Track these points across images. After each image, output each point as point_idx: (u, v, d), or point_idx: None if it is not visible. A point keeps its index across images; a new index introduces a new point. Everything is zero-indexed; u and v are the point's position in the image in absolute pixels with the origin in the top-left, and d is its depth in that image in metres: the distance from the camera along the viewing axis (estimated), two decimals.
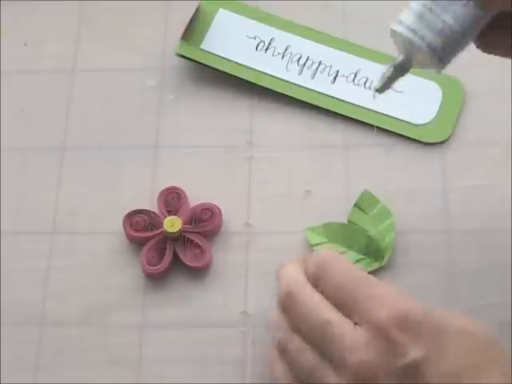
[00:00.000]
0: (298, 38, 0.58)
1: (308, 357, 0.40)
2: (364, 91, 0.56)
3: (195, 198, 0.54)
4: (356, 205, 0.52)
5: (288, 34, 0.58)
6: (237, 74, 0.57)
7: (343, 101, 0.56)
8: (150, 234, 0.51)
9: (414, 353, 0.37)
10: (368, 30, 0.59)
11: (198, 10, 0.58)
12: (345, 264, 0.41)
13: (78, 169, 0.56)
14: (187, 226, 0.51)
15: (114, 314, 0.51)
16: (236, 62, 0.57)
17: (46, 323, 0.51)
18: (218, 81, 0.58)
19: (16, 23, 0.61)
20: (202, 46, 0.58)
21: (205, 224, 0.52)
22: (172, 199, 0.52)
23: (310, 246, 0.51)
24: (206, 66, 0.57)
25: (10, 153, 0.56)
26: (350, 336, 0.38)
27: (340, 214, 0.52)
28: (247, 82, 0.57)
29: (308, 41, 0.58)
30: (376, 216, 0.52)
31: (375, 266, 0.50)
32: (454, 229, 0.52)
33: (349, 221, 0.52)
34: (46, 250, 0.53)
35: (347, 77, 0.57)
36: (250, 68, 0.57)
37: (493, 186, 0.52)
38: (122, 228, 0.52)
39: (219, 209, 0.52)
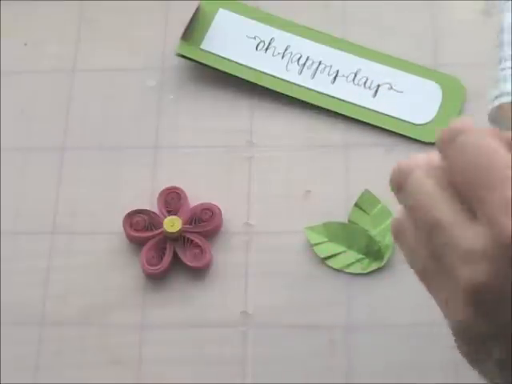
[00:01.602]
0: (298, 38, 0.58)
1: (420, 253, 0.32)
2: (364, 91, 0.56)
3: (195, 197, 0.54)
4: (356, 205, 0.52)
5: (288, 34, 0.58)
6: (237, 74, 0.57)
7: (343, 101, 0.56)
8: (149, 233, 0.51)
9: None
10: (368, 29, 0.59)
11: (197, 9, 0.58)
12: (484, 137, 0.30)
13: (78, 169, 0.56)
14: (187, 226, 0.51)
15: (113, 314, 0.51)
16: (236, 62, 0.57)
17: (46, 323, 0.51)
18: (217, 81, 0.58)
19: (16, 23, 0.61)
20: (202, 46, 0.58)
21: (205, 224, 0.52)
22: (172, 199, 0.52)
23: (310, 246, 0.51)
24: (206, 65, 0.57)
25: (10, 153, 0.56)
26: (465, 242, 0.29)
27: (340, 214, 0.52)
28: (247, 81, 0.57)
29: (308, 41, 0.58)
30: (376, 216, 0.52)
31: (375, 265, 0.50)
32: None
33: (349, 220, 0.52)
34: (46, 250, 0.53)
35: (347, 77, 0.57)
36: (250, 68, 0.57)
37: None
38: (121, 228, 0.52)
39: (219, 209, 0.52)
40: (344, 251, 0.51)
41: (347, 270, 0.51)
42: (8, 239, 0.53)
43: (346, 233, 0.51)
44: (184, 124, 0.57)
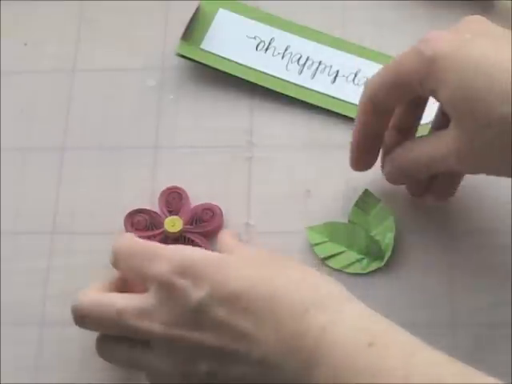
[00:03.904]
0: (298, 38, 0.58)
1: (123, 349, 0.45)
2: None
3: (195, 197, 0.54)
4: (356, 204, 0.52)
5: (288, 34, 0.58)
6: (237, 74, 0.57)
7: (343, 101, 0.56)
8: (150, 233, 0.51)
9: (197, 294, 0.40)
10: (368, 30, 0.59)
11: (197, 9, 0.58)
12: (130, 240, 0.46)
13: (78, 169, 0.56)
14: (188, 226, 0.51)
15: None
16: (236, 62, 0.57)
17: (46, 323, 0.51)
18: (217, 81, 0.58)
19: (16, 23, 0.61)
20: (202, 46, 0.58)
21: (206, 224, 0.52)
22: (173, 199, 0.52)
23: (311, 246, 0.51)
24: (206, 65, 0.57)
25: (10, 153, 0.56)
26: (142, 306, 0.42)
27: (340, 214, 0.52)
28: (247, 81, 0.57)
29: (308, 41, 0.58)
30: (376, 216, 0.52)
31: (375, 265, 0.50)
32: (454, 229, 0.52)
33: (349, 220, 0.52)
34: (46, 250, 0.53)
35: (347, 77, 0.57)
36: (250, 68, 0.57)
37: (493, 186, 0.52)
38: (122, 228, 0.52)
39: (220, 209, 0.52)
40: (344, 251, 0.51)
41: (347, 270, 0.51)
42: (8, 239, 0.53)
43: (346, 233, 0.51)
44: (184, 124, 0.57)
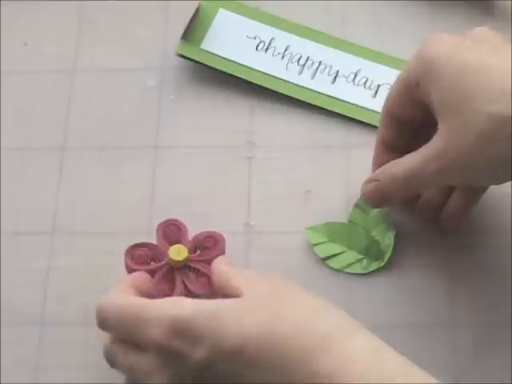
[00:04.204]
0: (298, 38, 0.58)
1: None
2: (364, 91, 0.56)
3: (195, 198, 0.54)
4: (356, 205, 0.52)
5: (288, 34, 0.58)
6: (237, 74, 0.57)
7: (343, 101, 0.56)
8: (154, 266, 0.49)
9: (197, 354, 0.39)
10: (368, 30, 0.59)
11: (197, 9, 0.58)
12: (115, 303, 0.43)
13: (78, 169, 0.56)
14: (192, 254, 0.49)
15: None
16: (236, 62, 0.57)
17: (46, 323, 0.51)
18: (217, 81, 0.58)
19: (16, 23, 0.61)
20: (202, 46, 0.58)
21: (209, 252, 0.49)
22: (172, 231, 0.50)
23: (311, 246, 0.51)
24: (206, 65, 0.57)
25: (9, 153, 0.56)
26: (147, 368, 0.41)
27: (340, 214, 0.52)
28: (247, 81, 0.57)
29: (308, 41, 0.58)
30: (376, 216, 0.52)
31: (375, 266, 0.50)
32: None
33: (349, 221, 0.52)
34: (46, 250, 0.53)
35: (347, 77, 0.57)
36: (250, 68, 0.57)
37: (492, 186, 0.52)
38: (121, 228, 0.52)
39: (221, 235, 0.50)
40: (344, 251, 0.51)
41: (347, 270, 0.51)
42: (8, 239, 0.53)
43: (346, 233, 0.51)
44: (184, 124, 0.57)
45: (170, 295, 0.47)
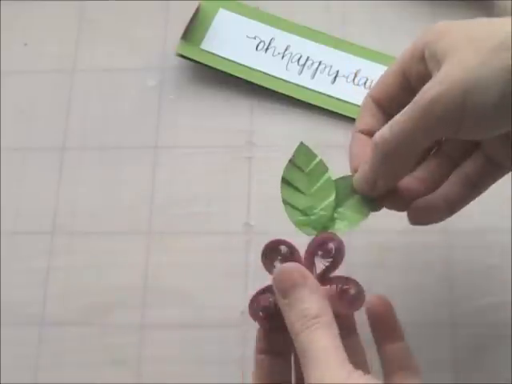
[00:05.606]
0: (298, 38, 0.58)
1: None
2: (364, 91, 0.56)
3: (195, 198, 0.54)
4: (291, 161, 0.46)
5: (288, 34, 0.58)
6: (237, 74, 0.57)
7: (343, 101, 0.56)
8: None
9: None
10: (368, 30, 0.59)
11: (197, 10, 0.58)
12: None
13: (78, 169, 0.56)
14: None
15: (113, 314, 0.51)
16: (236, 62, 0.57)
17: (46, 323, 0.51)
18: (217, 81, 0.58)
19: (16, 23, 0.61)
20: (202, 46, 0.58)
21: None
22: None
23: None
24: (206, 65, 0.57)
25: (9, 153, 0.56)
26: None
27: None
28: (247, 81, 0.57)
29: (308, 41, 0.58)
30: (312, 172, 0.46)
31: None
32: (454, 229, 0.52)
33: (283, 178, 0.46)
34: (46, 250, 0.53)
35: (347, 77, 0.57)
36: (250, 68, 0.57)
37: (492, 186, 0.52)
38: (121, 228, 0.52)
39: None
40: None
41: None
42: (8, 239, 0.53)
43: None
44: (184, 124, 0.57)
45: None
